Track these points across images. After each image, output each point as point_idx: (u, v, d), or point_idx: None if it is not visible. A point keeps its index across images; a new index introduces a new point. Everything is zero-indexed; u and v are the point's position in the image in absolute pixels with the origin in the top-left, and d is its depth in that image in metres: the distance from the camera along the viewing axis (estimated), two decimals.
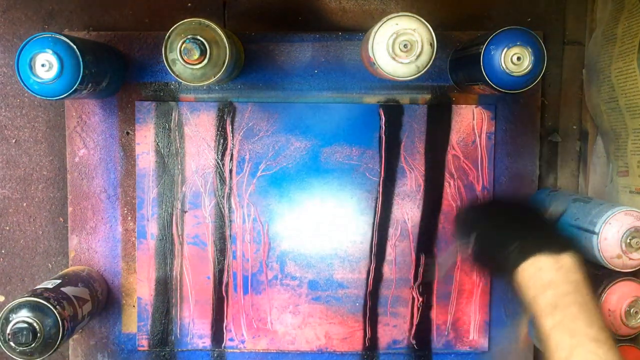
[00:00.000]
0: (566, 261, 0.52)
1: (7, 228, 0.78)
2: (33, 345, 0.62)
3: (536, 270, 0.52)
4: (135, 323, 0.77)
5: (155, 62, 0.75)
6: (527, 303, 0.52)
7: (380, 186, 0.76)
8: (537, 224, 0.59)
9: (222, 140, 0.75)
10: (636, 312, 0.62)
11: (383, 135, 0.76)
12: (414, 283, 0.77)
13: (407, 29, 0.62)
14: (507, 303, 0.78)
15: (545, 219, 0.62)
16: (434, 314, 0.77)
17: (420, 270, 0.77)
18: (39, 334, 0.62)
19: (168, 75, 0.74)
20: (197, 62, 0.62)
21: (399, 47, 0.62)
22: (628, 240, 0.62)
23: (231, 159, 0.75)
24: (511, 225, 0.58)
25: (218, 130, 0.75)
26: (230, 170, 0.76)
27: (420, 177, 0.76)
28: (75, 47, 0.63)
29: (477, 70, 0.65)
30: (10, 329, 0.62)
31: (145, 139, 0.75)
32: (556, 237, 0.56)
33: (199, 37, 0.61)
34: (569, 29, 0.78)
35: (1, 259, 0.78)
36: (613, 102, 0.71)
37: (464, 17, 0.77)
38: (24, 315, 0.63)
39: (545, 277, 0.51)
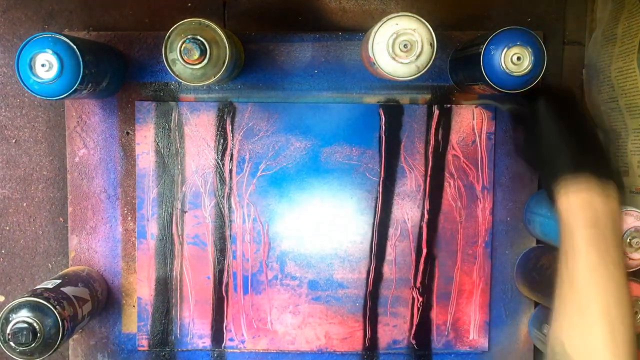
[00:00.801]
0: (612, 190, 0.56)
1: (7, 228, 0.78)
2: (33, 345, 0.62)
3: (582, 189, 0.55)
4: (135, 323, 0.77)
5: (155, 62, 0.75)
6: (564, 214, 0.56)
7: (380, 186, 0.76)
8: (592, 142, 0.61)
9: (222, 140, 0.75)
10: (636, 312, 0.62)
11: (383, 135, 0.76)
12: (414, 283, 0.77)
13: (407, 29, 0.62)
14: (507, 303, 0.78)
15: (599, 139, 0.63)
16: (434, 314, 0.77)
17: (420, 267, 0.77)
18: (39, 334, 0.62)
19: (168, 75, 0.74)
20: (197, 62, 0.62)
21: (399, 47, 0.62)
22: (628, 240, 0.62)
23: (231, 159, 0.75)
24: (571, 133, 0.60)
25: (218, 130, 0.75)
26: (230, 170, 0.76)
27: (420, 177, 0.76)
28: (75, 47, 0.63)
29: (477, 70, 0.65)
30: (10, 329, 0.62)
31: (145, 139, 0.75)
32: (608, 163, 0.60)
33: (199, 37, 0.61)
34: (569, 29, 0.78)
35: (1, 259, 0.78)
36: (613, 102, 0.71)
37: (464, 17, 0.77)
38: (24, 315, 0.63)
39: (590, 198, 0.55)
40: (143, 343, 0.77)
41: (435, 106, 0.75)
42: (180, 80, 0.63)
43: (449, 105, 0.75)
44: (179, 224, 0.76)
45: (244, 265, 0.76)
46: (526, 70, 0.63)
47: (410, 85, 0.76)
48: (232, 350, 0.77)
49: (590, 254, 0.53)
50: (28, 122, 0.77)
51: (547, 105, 0.62)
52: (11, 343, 0.62)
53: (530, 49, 0.63)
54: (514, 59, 0.63)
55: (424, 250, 0.76)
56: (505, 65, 0.63)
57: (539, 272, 0.72)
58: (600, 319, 0.50)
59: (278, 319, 0.77)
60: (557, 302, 0.53)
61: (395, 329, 0.77)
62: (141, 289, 0.76)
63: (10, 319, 0.63)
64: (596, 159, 0.59)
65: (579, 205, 0.55)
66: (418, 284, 0.77)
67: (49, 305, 0.63)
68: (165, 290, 0.76)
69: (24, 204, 0.78)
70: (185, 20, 0.62)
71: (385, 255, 0.76)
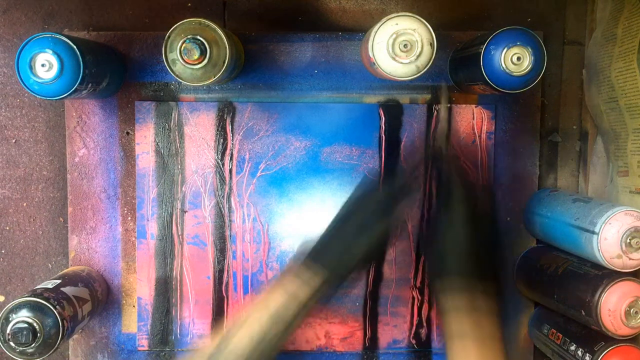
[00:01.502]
0: (481, 291, 0.56)
1: (7, 228, 0.78)
2: (33, 345, 0.62)
3: (470, 300, 0.56)
4: (135, 323, 0.77)
5: (155, 62, 0.75)
6: (442, 315, 0.57)
7: (380, 186, 0.76)
8: (485, 244, 0.59)
9: (222, 140, 0.75)
10: (636, 312, 0.62)
11: (383, 135, 0.76)
12: (414, 283, 0.77)
13: (407, 29, 0.62)
14: (507, 303, 0.78)
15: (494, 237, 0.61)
16: (434, 314, 0.77)
17: (420, 267, 0.77)
18: (39, 334, 0.62)
19: (168, 75, 0.74)
20: (197, 62, 0.62)
21: (399, 47, 0.62)
22: (628, 240, 0.62)
23: (231, 159, 0.75)
24: (468, 233, 0.58)
25: (218, 130, 0.75)
26: (230, 170, 0.76)
27: (419, 177, 0.76)
28: (75, 47, 0.63)
29: (477, 70, 0.65)
30: (10, 329, 0.62)
31: (145, 139, 0.75)
32: (482, 263, 0.58)
33: (199, 37, 0.61)
34: (569, 29, 0.78)
35: (1, 259, 0.78)
36: (613, 102, 0.71)
37: (464, 17, 0.77)
38: (24, 315, 0.63)
39: (473, 306, 0.55)
40: (143, 343, 0.77)
41: (435, 106, 0.75)
42: (180, 80, 0.63)
43: (449, 105, 0.75)
44: (179, 224, 0.76)
45: (244, 265, 0.76)
46: (526, 70, 0.63)
47: (410, 85, 0.76)
48: None
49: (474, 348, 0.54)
50: (28, 122, 0.77)
51: (460, 201, 0.59)
52: (11, 343, 0.62)
53: (530, 49, 0.63)
54: (514, 59, 0.63)
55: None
56: (505, 65, 0.63)
57: (539, 272, 0.72)
58: None
59: None
60: None
61: (395, 328, 0.77)
62: (141, 289, 0.76)
63: (10, 319, 0.63)
64: (481, 262, 0.58)
65: (451, 310, 0.56)
66: (418, 284, 0.77)
67: (49, 305, 0.63)
68: (165, 290, 0.76)
69: (24, 204, 0.78)
70: (185, 20, 0.62)
71: (385, 254, 0.76)
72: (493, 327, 0.55)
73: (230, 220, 0.76)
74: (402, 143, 0.76)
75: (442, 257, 0.58)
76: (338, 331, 0.77)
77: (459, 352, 0.54)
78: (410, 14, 0.62)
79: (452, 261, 0.58)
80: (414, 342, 0.77)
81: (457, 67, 0.74)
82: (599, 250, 0.62)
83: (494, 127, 0.76)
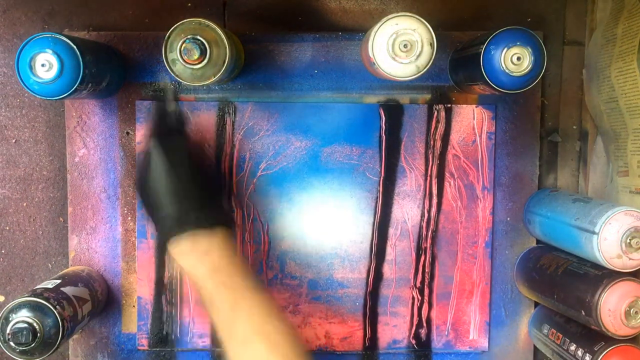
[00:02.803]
0: (219, 233, 0.61)
1: (7, 228, 0.78)
2: (33, 345, 0.62)
3: (193, 241, 0.59)
4: (135, 323, 0.77)
5: (155, 62, 0.75)
6: (185, 270, 0.60)
7: (380, 186, 0.76)
8: (195, 192, 0.62)
9: (222, 140, 0.75)
10: (636, 312, 0.62)
11: (383, 135, 0.76)
12: (414, 283, 0.77)
13: (407, 29, 0.62)
14: (507, 303, 0.78)
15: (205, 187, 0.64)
16: (434, 314, 0.77)
17: (420, 267, 0.77)
18: (38, 334, 0.62)
19: (168, 75, 0.74)
20: (197, 62, 0.62)
21: (399, 47, 0.62)
22: (628, 240, 0.62)
23: (231, 159, 0.75)
24: (174, 182, 0.61)
25: (218, 129, 0.75)
26: (231, 170, 0.76)
27: (420, 177, 0.76)
28: (75, 47, 0.63)
29: (477, 70, 0.65)
30: (10, 329, 0.62)
31: (145, 138, 0.75)
32: (210, 211, 0.62)
33: (199, 37, 0.61)
34: (569, 29, 0.78)
35: (1, 259, 0.78)
36: (613, 102, 0.71)
37: (464, 17, 0.77)
38: (24, 315, 0.63)
39: (202, 247, 0.59)
40: (143, 343, 0.77)
41: (435, 106, 0.75)
42: (180, 80, 0.63)
43: (449, 105, 0.76)
44: None
45: None
46: (526, 70, 0.63)
47: (410, 85, 0.76)
48: None
49: (226, 295, 0.57)
50: (28, 122, 0.77)
51: (158, 147, 0.61)
52: (11, 343, 0.62)
53: (530, 49, 0.63)
54: (514, 59, 0.63)
55: (424, 250, 0.76)
56: (505, 65, 0.63)
57: (539, 272, 0.72)
58: (257, 341, 0.56)
59: None
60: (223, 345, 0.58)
61: (395, 328, 0.77)
62: (141, 289, 0.76)
63: (10, 319, 0.63)
64: (196, 211, 0.61)
65: (195, 258, 0.59)
66: (418, 284, 0.77)
67: (49, 305, 0.63)
68: (165, 290, 0.76)
69: (24, 204, 0.78)
70: (185, 20, 0.62)
71: (385, 254, 0.77)
72: (229, 268, 0.59)
73: None
74: (402, 143, 0.76)
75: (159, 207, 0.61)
76: (338, 331, 0.77)
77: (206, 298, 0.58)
78: (410, 14, 0.62)
79: (170, 212, 0.60)
80: (413, 342, 0.77)
81: (457, 67, 0.74)
82: (599, 250, 0.62)
83: (494, 127, 0.76)
